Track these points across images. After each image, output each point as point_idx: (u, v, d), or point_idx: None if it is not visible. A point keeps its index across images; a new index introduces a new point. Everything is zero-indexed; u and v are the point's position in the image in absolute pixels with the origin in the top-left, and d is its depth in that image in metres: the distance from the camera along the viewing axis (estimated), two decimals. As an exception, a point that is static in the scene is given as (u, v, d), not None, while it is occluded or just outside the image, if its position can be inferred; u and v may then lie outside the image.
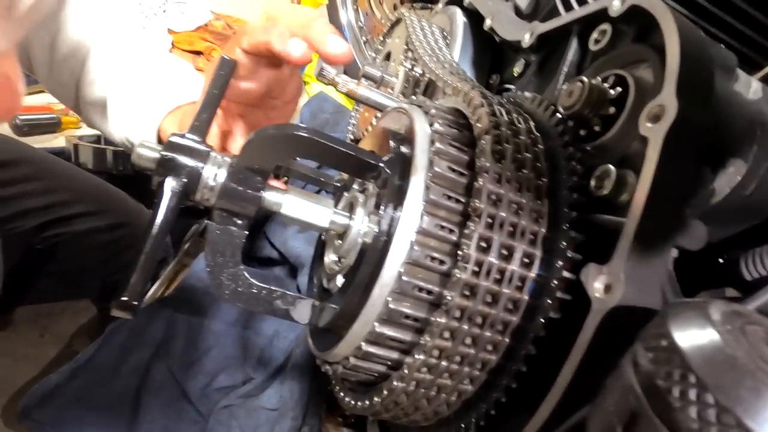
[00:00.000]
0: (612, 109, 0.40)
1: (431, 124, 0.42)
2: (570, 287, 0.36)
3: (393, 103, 0.66)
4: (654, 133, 0.33)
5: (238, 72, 0.56)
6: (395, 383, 0.40)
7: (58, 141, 1.55)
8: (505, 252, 0.37)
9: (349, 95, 0.63)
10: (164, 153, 0.42)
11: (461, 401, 0.41)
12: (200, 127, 0.44)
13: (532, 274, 0.37)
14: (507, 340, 0.38)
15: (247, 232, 0.45)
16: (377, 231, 0.40)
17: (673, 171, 0.32)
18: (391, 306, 0.38)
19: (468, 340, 0.38)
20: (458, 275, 0.37)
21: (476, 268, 0.37)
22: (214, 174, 0.43)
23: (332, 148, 0.42)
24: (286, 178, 0.69)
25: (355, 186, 0.49)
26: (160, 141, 0.72)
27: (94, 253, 0.92)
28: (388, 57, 0.84)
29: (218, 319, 0.74)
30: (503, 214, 0.37)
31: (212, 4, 2.06)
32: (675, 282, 0.35)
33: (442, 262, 0.38)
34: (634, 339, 0.27)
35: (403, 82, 0.75)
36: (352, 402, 0.46)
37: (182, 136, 0.43)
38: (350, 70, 1.98)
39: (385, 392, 0.41)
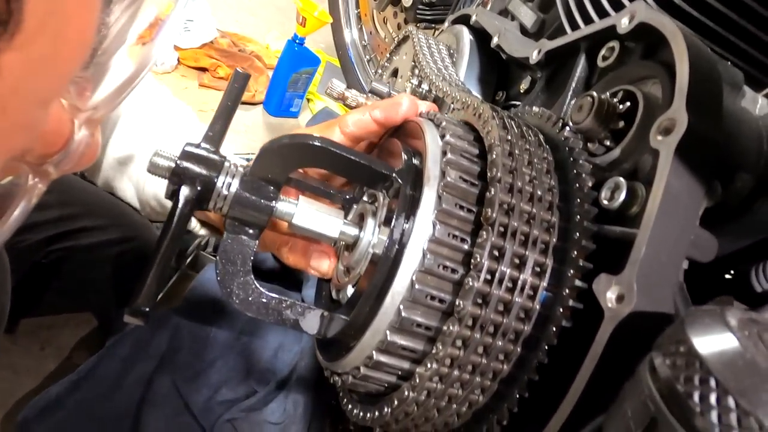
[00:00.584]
0: (621, 123, 0.40)
1: (442, 136, 0.43)
2: (581, 296, 0.36)
3: (401, 118, 0.66)
4: (665, 146, 0.33)
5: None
6: (406, 393, 0.40)
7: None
8: (517, 261, 0.38)
9: (358, 110, 0.64)
10: (179, 162, 0.42)
11: (472, 412, 0.41)
12: (214, 138, 0.45)
13: (544, 283, 0.38)
14: (519, 349, 0.38)
15: (257, 241, 0.46)
16: (388, 241, 0.40)
17: (684, 183, 0.33)
18: (404, 314, 0.38)
19: (480, 349, 0.38)
20: (471, 283, 0.37)
21: (488, 277, 0.37)
22: (228, 183, 0.43)
23: (345, 158, 0.42)
24: None
25: (365, 198, 0.50)
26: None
27: (100, 268, 0.92)
28: (395, 73, 0.85)
29: (223, 331, 0.74)
30: (515, 224, 0.38)
31: (218, 22, 2.09)
32: (685, 293, 0.35)
33: (454, 271, 0.38)
34: (645, 348, 0.27)
35: (412, 94, 0.76)
36: (361, 413, 0.45)
37: (197, 146, 0.44)
38: (353, 87, 2.00)
39: (396, 402, 0.41)
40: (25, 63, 0.20)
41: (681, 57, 0.35)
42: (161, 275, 0.40)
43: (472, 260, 0.37)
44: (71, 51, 0.22)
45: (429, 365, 0.38)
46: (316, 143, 0.41)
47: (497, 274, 0.37)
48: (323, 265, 0.49)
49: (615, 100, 0.42)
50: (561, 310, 0.37)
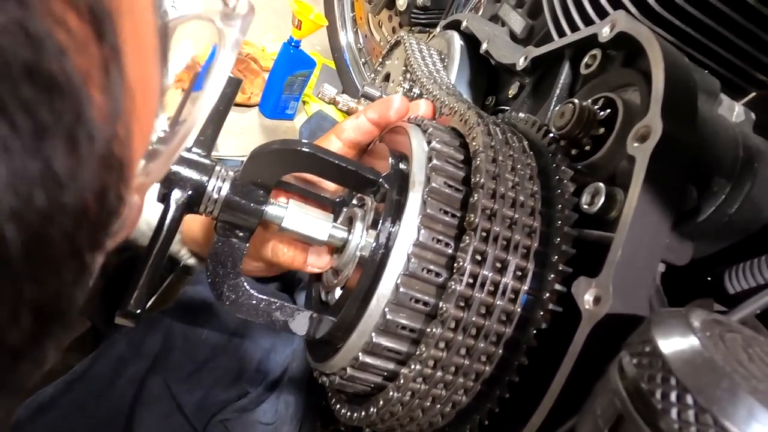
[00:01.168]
0: (602, 130, 0.41)
1: (429, 142, 0.44)
2: (561, 299, 0.37)
3: (391, 122, 0.67)
4: (641, 152, 0.34)
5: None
6: (391, 393, 0.41)
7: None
8: (498, 265, 0.39)
9: (348, 114, 0.65)
10: (171, 167, 0.43)
11: (455, 412, 0.42)
12: (205, 142, 0.46)
13: (525, 286, 0.39)
14: (500, 351, 0.39)
15: (248, 245, 0.47)
16: (375, 244, 0.41)
17: (659, 188, 0.34)
18: (389, 317, 0.39)
19: (462, 351, 0.39)
20: (453, 287, 0.38)
21: (471, 281, 0.38)
22: (218, 187, 0.44)
23: (333, 164, 0.43)
24: None
25: (354, 201, 0.51)
26: None
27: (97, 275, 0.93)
28: (387, 78, 0.86)
29: (215, 332, 0.75)
30: (497, 229, 0.39)
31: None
32: (662, 295, 0.37)
33: (438, 275, 0.39)
34: (620, 348, 0.28)
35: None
36: (348, 413, 0.46)
37: (188, 150, 0.45)
38: (348, 90, 2.02)
39: (381, 402, 0.41)
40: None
41: (657, 65, 0.36)
42: (152, 278, 0.41)
43: (455, 264, 0.38)
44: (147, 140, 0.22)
45: (413, 366, 0.39)
46: (305, 149, 0.42)
47: (479, 278, 0.38)
48: (322, 261, 0.49)
49: (596, 107, 0.43)
50: (541, 312, 0.38)
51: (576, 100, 0.42)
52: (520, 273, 0.39)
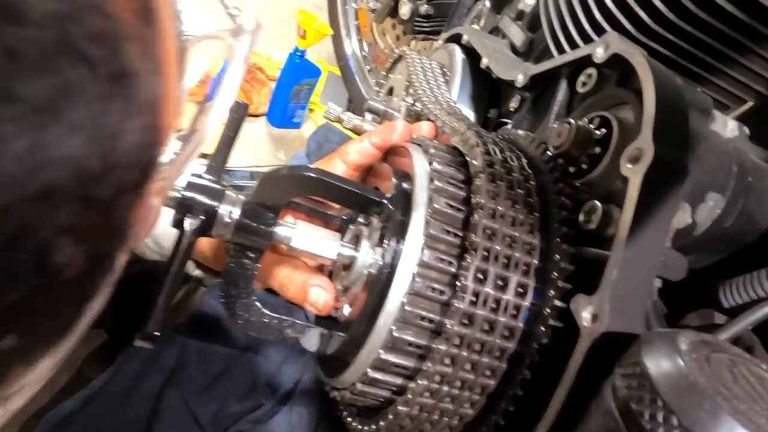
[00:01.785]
0: (598, 149, 0.43)
1: (430, 162, 0.45)
2: (562, 315, 0.39)
3: (395, 138, 0.69)
4: (634, 174, 0.36)
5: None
6: (400, 408, 0.42)
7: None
8: (500, 282, 0.40)
9: (354, 131, 0.67)
10: (184, 193, 0.45)
11: (462, 425, 0.43)
12: (216, 168, 0.48)
13: (526, 303, 0.40)
14: (504, 365, 0.40)
15: (259, 265, 0.49)
16: (381, 264, 0.43)
17: (653, 208, 0.35)
18: (395, 334, 0.41)
19: (467, 366, 0.40)
20: (457, 305, 0.39)
21: (474, 298, 0.39)
22: (230, 211, 0.46)
23: (339, 187, 0.45)
24: None
25: (360, 219, 0.53)
26: None
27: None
28: (390, 92, 0.88)
29: (228, 346, 0.77)
30: (498, 248, 0.40)
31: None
32: (660, 310, 0.38)
33: (442, 293, 0.41)
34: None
35: (406, 116, 0.78)
36: (359, 426, 0.48)
37: (200, 176, 0.47)
38: (354, 96, 2.04)
39: (391, 417, 0.43)
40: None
41: (647, 89, 0.37)
42: (169, 300, 0.43)
43: (458, 283, 0.40)
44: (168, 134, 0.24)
45: (420, 381, 0.41)
46: (312, 174, 0.44)
47: (482, 296, 0.39)
48: (319, 300, 0.50)
49: (592, 126, 0.44)
50: (542, 328, 0.39)
51: (572, 120, 0.43)
52: (521, 290, 0.40)
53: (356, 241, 0.51)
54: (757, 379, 0.25)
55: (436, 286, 0.41)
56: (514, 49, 0.77)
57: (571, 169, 0.45)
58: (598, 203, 0.40)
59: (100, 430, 0.77)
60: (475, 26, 0.94)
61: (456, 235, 0.42)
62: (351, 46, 2.03)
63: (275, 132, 2.01)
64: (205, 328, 0.79)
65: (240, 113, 0.52)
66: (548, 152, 0.46)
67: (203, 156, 0.46)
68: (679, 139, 0.37)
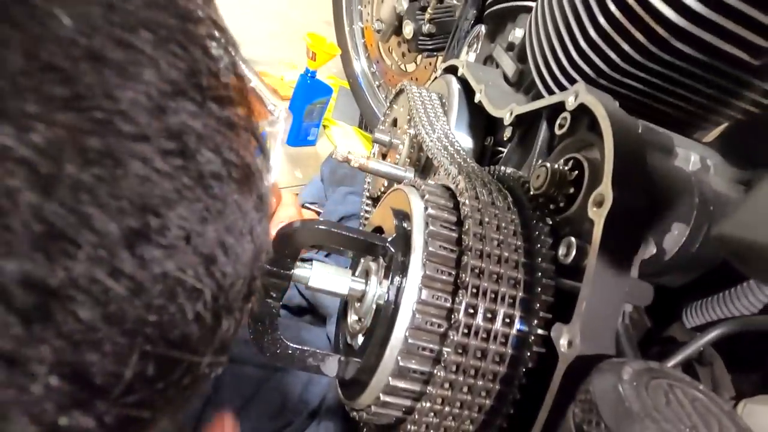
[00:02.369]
0: (572, 189, 0.48)
1: (426, 208, 0.51)
2: (545, 341, 0.44)
3: (399, 172, 0.75)
4: (598, 217, 0.41)
5: None
6: (409, 426, 0.48)
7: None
8: (489, 315, 0.46)
9: (361, 169, 0.73)
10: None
11: (465, 438, 0.49)
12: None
13: (513, 331, 0.46)
14: (497, 386, 0.46)
15: (281, 303, 0.55)
16: (386, 300, 0.49)
17: (615, 246, 0.41)
18: (401, 363, 0.47)
19: (465, 389, 0.46)
20: (452, 336, 0.45)
21: (466, 330, 0.45)
22: (253, 260, 0.52)
23: (346, 236, 0.51)
24: None
25: (369, 255, 0.59)
26: None
27: None
28: (394, 123, 0.94)
29: (259, 369, 0.83)
30: (486, 285, 0.46)
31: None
32: (630, 333, 0.43)
33: (439, 326, 0.47)
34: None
35: (409, 147, 0.84)
36: (377, 442, 0.54)
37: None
38: (365, 111, 2.10)
39: (402, 434, 0.49)
40: None
41: (607, 140, 0.42)
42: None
43: (452, 317, 0.46)
44: None
45: (425, 403, 0.46)
46: (322, 227, 0.50)
47: (473, 328, 0.45)
48: None
49: (567, 167, 0.49)
50: (528, 353, 0.45)
51: (548, 164, 0.49)
52: (508, 320, 0.46)
53: (366, 275, 0.57)
54: (689, 400, 0.30)
55: (433, 320, 0.47)
56: (506, 78, 0.83)
57: (551, 206, 0.50)
58: (573, 240, 0.45)
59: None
60: (472, 53, 0.99)
61: (450, 274, 0.48)
62: (359, 64, 2.10)
63: (291, 151, 2.08)
64: (236, 352, 0.85)
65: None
66: (530, 191, 0.51)
67: None
68: (637, 185, 0.42)
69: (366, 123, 2.18)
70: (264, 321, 0.55)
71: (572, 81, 0.62)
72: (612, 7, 0.54)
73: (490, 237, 0.47)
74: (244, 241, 0.22)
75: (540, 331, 0.44)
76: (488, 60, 0.94)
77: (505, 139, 0.73)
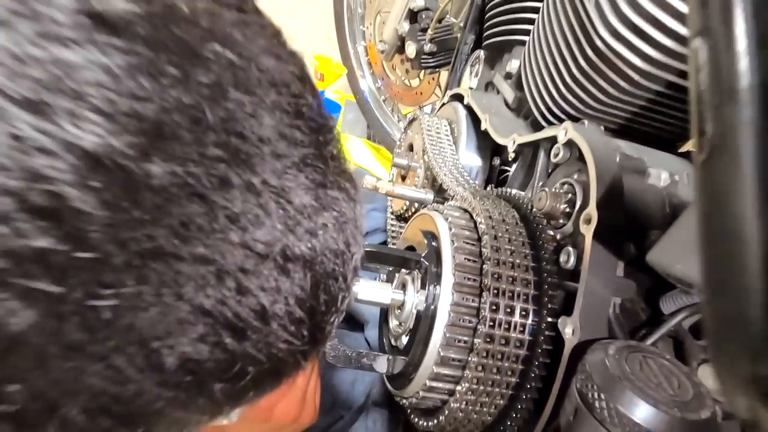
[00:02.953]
0: (567, 209, 0.60)
1: (450, 228, 0.64)
2: (554, 328, 0.56)
3: (421, 195, 0.88)
4: (587, 232, 0.53)
5: None
6: (452, 404, 0.60)
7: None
8: (509, 310, 0.58)
9: (388, 195, 0.85)
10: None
11: (497, 412, 0.61)
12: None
13: (529, 321, 0.58)
14: (520, 366, 0.58)
15: (337, 314, 0.67)
16: (425, 304, 0.61)
17: (602, 253, 0.53)
18: (442, 353, 0.59)
19: (494, 370, 0.58)
20: (481, 329, 0.57)
21: (492, 323, 0.57)
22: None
23: (389, 255, 0.64)
24: None
25: (404, 269, 0.71)
26: None
27: None
28: (410, 148, 1.06)
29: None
30: (504, 286, 0.58)
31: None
32: (621, 320, 0.55)
33: (470, 321, 0.59)
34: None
35: (426, 170, 0.96)
36: (424, 423, 0.66)
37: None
38: (373, 124, 2.23)
39: (447, 412, 0.61)
40: None
41: (591, 171, 0.54)
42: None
43: (480, 313, 0.58)
44: None
45: (464, 384, 0.59)
46: (367, 248, 0.63)
47: (497, 321, 0.57)
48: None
49: (563, 190, 0.61)
50: (542, 338, 0.57)
51: (547, 189, 0.61)
52: (524, 313, 0.58)
53: (403, 286, 0.69)
54: (658, 366, 0.42)
55: (465, 317, 0.59)
56: (507, 103, 0.94)
57: (552, 222, 0.62)
58: (571, 249, 0.57)
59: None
60: (474, 79, 1.11)
61: (474, 280, 0.60)
62: (365, 82, 2.23)
63: (307, 168, 2.21)
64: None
65: None
66: (534, 210, 0.63)
67: None
68: (616, 204, 0.54)
69: (374, 134, 2.31)
70: (325, 329, 0.67)
71: (563, 111, 0.74)
72: (590, 53, 0.66)
73: (504, 248, 0.60)
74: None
75: (549, 319, 0.57)
76: (489, 86, 1.05)
77: (509, 159, 0.85)
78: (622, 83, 0.65)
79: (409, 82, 2.00)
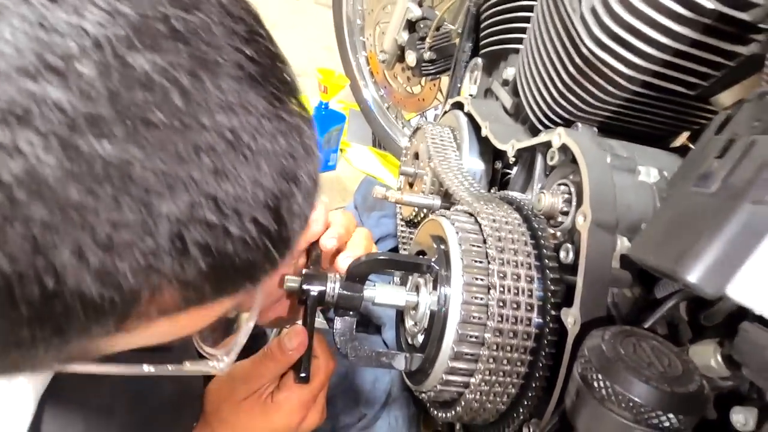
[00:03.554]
0: (565, 208, 0.65)
1: (457, 232, 0.68)
2: (557, 320, 0.61)
3: (428, 201, 0.93)
4: (583, 228, 0.58)
5: None
6: (468, 396, 0.65)
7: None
8: (515, 305, 0.63)
9: (397, 203, 0.90)
10: (303, 282, 0.69)
11: (510, 401, 0.66)
12: (316, 260, 0.72)
13: (534, 315, 0.63)
14: (528, 357, 0.63)
15: (357, 318, 0.72)
16: (438, 305, 0.66)
17: (597, 248, 0.57)
18: (456, 349, 0.64)
19: (505, 362, 0.63)
20: (490, 324, 0.62)
21: (500, 318, 0.62)
22: (333, 287, 0.70)
23: (401, 261, 0.69)
24: None
25: (416, 273, 0.76)
26: None
27: None
28: (416, 156, 1.11)
29: (333, 375, 1.01)
30: (510, 283, 0.63)
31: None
32: (619, 307, 0.59)
33: (480, 318, 0.64)
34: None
35: (432, 177, 1.01)
36: (443, 414, 0.71)
37: (308, 267, 0.71)
38: (377, 131, 2.28)
39: (463, 403, 0.66)
40: None
41: (584, 173, 0.59)
42: (310, 349, 0.68)
43: (488, 310, 0.62)
44: None
45: (477, 377, 0.63)
46: (382, 257, 0.68)
47: (504, 316, 0.62)
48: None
49: (560, 191, 0.66)
50: (546, 329, 0.61)
51: (545, 190, 0.65)
52: (529, 307, 0.63)
53: (416, 288, 0.74)
54: (650, 348, 0.46)
55: (475, 314, 0.64)
56: (505, 109, 0.99)
57: (552, 221, 0.67)
58: (569, 245, 0.62)
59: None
60: (473, 86, 1.16)
61: (482, 279, 0.65)
62: (368, 91, 2.28)
63: (316, 178, 2.26)
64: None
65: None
66: (534, 210, 0.68)
67: None
68: (608, 202, 0.58)
69: (379, 141, 2.36)
70: (346, 333, 0.72)
71: (558, 115, 0.78)
72: (578, 61, 0.70)
73: (508, 248, 0.64)
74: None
75: (553, 312, 0.61)
76: (488, 92, 1.10)
77: (510, 163, 0.90)
78: (610, 88, 0.69)
79: (411, 89, 2.05)
